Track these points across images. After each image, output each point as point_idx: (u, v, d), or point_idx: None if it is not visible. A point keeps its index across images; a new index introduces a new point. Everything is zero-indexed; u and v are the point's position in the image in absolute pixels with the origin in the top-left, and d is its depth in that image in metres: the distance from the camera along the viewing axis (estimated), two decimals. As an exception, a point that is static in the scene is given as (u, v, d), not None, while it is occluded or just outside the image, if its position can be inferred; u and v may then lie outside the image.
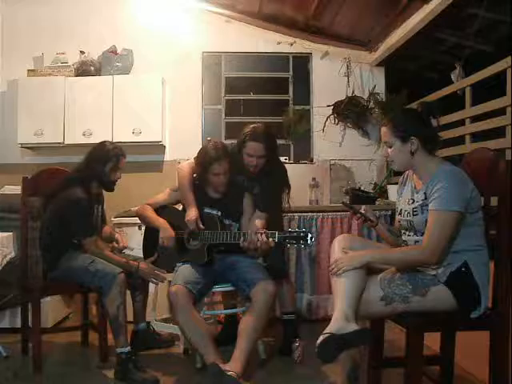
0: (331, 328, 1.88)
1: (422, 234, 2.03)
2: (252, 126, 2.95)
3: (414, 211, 2.05)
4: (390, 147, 2.08)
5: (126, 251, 3.23)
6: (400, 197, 2.22)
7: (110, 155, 2.98)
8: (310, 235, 2.53)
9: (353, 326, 1.87)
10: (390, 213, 3.76)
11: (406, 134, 2.04)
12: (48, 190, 2.98)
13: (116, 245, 3.18)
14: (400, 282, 1.95)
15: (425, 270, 2.00)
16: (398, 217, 2.19)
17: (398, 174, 3.99)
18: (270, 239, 2.59)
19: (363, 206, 2.31)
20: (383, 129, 2.11)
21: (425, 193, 2.01)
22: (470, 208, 1.93)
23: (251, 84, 5.04)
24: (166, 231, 2.88)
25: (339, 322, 1.89)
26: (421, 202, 2.02)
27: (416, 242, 2.06)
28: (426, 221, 1.99)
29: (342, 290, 1.95)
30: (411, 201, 2.09)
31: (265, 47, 4.88)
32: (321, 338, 1.88)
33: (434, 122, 2.11)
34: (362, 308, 1.97)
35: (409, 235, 2.11)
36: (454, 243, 1.94)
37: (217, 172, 2.80)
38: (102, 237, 3.12)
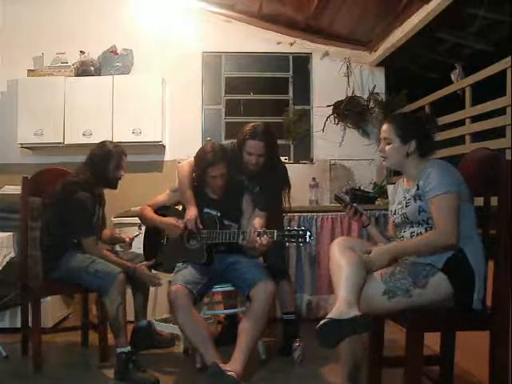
0: (332, 313, 1.88)
1: (418, 225, 2.08)
2: (251, 124, 2.95)
3: (407, 203, 2.11)
4: (389, 144, 2.15)
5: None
6: (393, 203, 2.28)
7: (112, 154, 3.00)
8: (308, 233, 2.54)
9: (355, 312, 1.86)
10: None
11: (407, 136, 2.12)
12: (50, 190, 2.98)
13: (123, 243, 3.20)
14: (400, 276, 1.96)
15: (421, 260, 2.02)
16: (392, 217, 2.24)
17: (398, 174, 3.99)
18: (269, 238, 2.59)
19: (354, 204, 2.33)
20: (386, 124, 2.18)
21: (417, 185, 2.07)
22: (462, 195, 1.99)
23: (251, 84, 5.03)
24: (173, 226, 2.84)
25: (341, 307, 1.88)
26: (413, 193, 2.08)
27: (411, 233, 2.10)
28: (419, 208, 2.05)
29: (343, 279, 1.95)
30: (404, 199, 2.16)
31: (265, 47, 4.88)
32: (321, 322, 1.87)
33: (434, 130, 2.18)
34: (365, 303, 1.96)
35: (404, 231, 2.14)
36: None
37: (214, 175, 2.80)
38: (101, 239, 3.13)
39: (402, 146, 2.13)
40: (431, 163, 2.08)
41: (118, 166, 3.02)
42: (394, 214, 2.22)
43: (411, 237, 2.10)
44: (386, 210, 3.89)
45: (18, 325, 3.18)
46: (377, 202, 4.22)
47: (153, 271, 3.03)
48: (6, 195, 3.73)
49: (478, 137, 3.60)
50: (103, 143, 3.07)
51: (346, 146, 4.88)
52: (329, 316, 1.88)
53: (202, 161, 2.82)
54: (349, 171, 4.83)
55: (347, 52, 4.84)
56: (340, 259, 2.04)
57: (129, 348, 2.70)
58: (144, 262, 3.01)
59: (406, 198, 2.14)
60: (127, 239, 3.26)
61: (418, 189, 2.07)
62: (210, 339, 2.54)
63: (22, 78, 4.49)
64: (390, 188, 4.30)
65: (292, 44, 4.83)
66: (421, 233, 2.07)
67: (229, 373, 2.34)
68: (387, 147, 2.16)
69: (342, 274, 1.97)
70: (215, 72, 4.98)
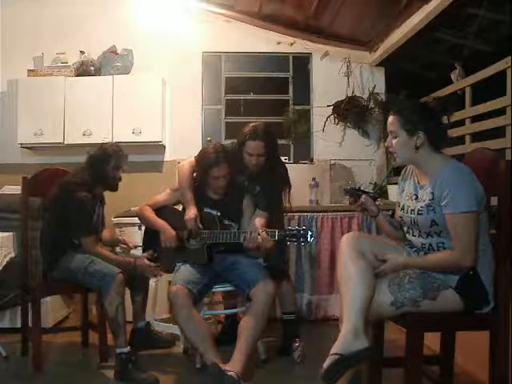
0: (339, 347, 1.82)
1: (427, 236, 2.00)
2: (252, 124, 2.95)
3: (419, 211, 1.99)
4: (395, 138, 2.03)
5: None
6: (402, 191, 2.17)
7: (111, 155, 2.99)
8: (310, 233, 2.53)
9: (362, 343, 1.82)
10: (390, 213, 3.74)
11: (413, 128, 1.97)
12: (50, 191, 2.98)
13: (125, 246, 3.20)
14: (409, 286, 1.91)
15: (434, 274, 1.96)
16: (400, 212, 2.14)
17: (398, 173, 3.98)
18: (270, 237, 2.59)
19: (363, 196, 2.28)
20: (391, 118, 2.05)
21: (432, 192, 1.94)
22: (481, 205, 1.90)
23: (251, 84, 5.04)
24: (167, 232, 2.88)
25: (348, 338, 1.83)
26: (428, 202, 1.96)
27: (422, 244, 2.03)
28: (432, 221, 1.95)
29: (352, 297, 1.90)
30: (414, 196, 2.05)
31: (265, 47, 4.88)
32: (328, 360, 1.81)
33: (444, 119, 2.08)
34: (371, 312, 1.93)
35: (413, 235, 2.07)
36: None
37: (216, 175, 2.80)
38: (101, 239, 3.13)
39: (409, 140, 1.98)
40: (449, 169, 1.92)
41: (116, 168, 3.01)
42: (402, 209, 2.11)
43: (422, 247, 2.04)
44: (387, 210, 3.91)
45: (18, 325, 3.17)
46: (377, 203, 4.20)
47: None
48: (6, 195, 3.73)
49: (478, 137, 3.60)
50: (103, 145, 3.08)
51: (346, 146, 4.88)
52: (335, 350, 1.81)
53: (205, 161, 2.81)
54: (349, 171, 4.83)
55: (347, 52, 4.84)
56: (350, 266, 1.96)
57: (128, 348, 2.70)
58: (144, 254, 3.00)
59: (417, 197, 2.03)
60: (131, 244, 3.24)
61: (432, 198, 1.94)
62: (210, 339, 2.54)
63: (21, 78, 4.49)
64: (391, 187, 4.28)
65: (292, 44, 4.83)
66: (431, 245, 2.00)
67: (229, 373, 2.33)
68: (394, 141, 2.03)
69: (351, 286, 1.92)
70: (215, 72, 4.98)
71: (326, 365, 1.81)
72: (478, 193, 1.90)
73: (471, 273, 1.91)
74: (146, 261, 2.92)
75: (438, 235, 1.97)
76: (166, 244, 2.87)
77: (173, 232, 2.87)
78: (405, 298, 1.90)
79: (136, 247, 3.23)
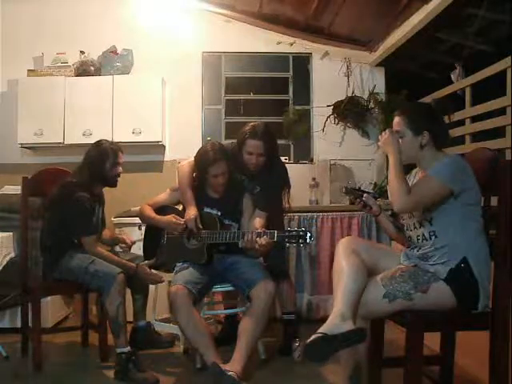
0: (325, 327, 1.87)
1: (420, 226, 2.05)
2: (251, 124, 2.96)
3: None
4: (401, 138, 2.10)
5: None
6: None
7: (108, 152, 3.00)
8: (309, 234, 2.53)
9: (348, 326, 1.86)
10: (390, 213, 3.75)
11: (419, 127, 2.06)
12: (50, 191, 2.99)
13: (123, 245, 3.20)
14: (401, 279, 1.96)
15: (425, 266, 2.01)
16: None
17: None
18: (270, 238, 2.59)
19: (365, 194, 2.32)
20: (396, 118, 2.12)
21: None
22: (469, 198, 1.95)
23: (251, 84, 5.03)
24: (175, 220, 2.83)
25: (335, 320, 1.88)
26: None
27: (417, 236, 2.08)
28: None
29: (342, 287, 1.95)
30: None
31: (265, 47, 4.88)
32: (312, 337, 1.86)
33: (445, 119, 2.15)
34: (364, 308, 1.97)
35: (410, 230, 2.12)
36: (453, 237, 1.96)
37: (215, 174, 2.80)
38: (101, 239, 3.13)
39: (414, 139, 2.07)
40: (444, 157, 2.03)
41: (114, 164, 3.02)
42: None
43: (417, 240, 2.08)
44: (387, 210, 3.91)
45: (18, 325, 3.17)
46: (378, 202, 4.20)
47: (153, 271, 3.02)
48: (6, 195, 3.73)
49: (478, 137, 3.60)
50: (98, 142, 3.08)
51: (346, 145, 4.87)
52: (320, 330, 1.86)
53: (203, 160, 2.82)
54: (349, 171, 4.83)
55: (347, 52, 4.84)
56: (342, 261, 2.03)
57: (129, 348, 2.71)
58: (145, 262, 3.01)
59: None
60: (128, 241, 3.26)
61: None
62: (210, 339, 2.54)
63: (22, 78, 4.49)
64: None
65: (292, 44, 4.82)
66: (424, 236, 2.04)
67: (229, 373, 2.34)
68: (400, 141, 2.10)
69: (342, 278, 1.97)
70: (215, 72, 4.98)
71: (308, 340, 1.85)
72: (461, 177, 1.95)
73: (462, 265, 1.94)
74: (147, 269, 2.93)
75: (430, 223, 2.02)
76: (176, 230, 2.83)
77: (179, 221, 2.83)
78: (397, 290, 1.94)
79: (134, 242, 3.24)
